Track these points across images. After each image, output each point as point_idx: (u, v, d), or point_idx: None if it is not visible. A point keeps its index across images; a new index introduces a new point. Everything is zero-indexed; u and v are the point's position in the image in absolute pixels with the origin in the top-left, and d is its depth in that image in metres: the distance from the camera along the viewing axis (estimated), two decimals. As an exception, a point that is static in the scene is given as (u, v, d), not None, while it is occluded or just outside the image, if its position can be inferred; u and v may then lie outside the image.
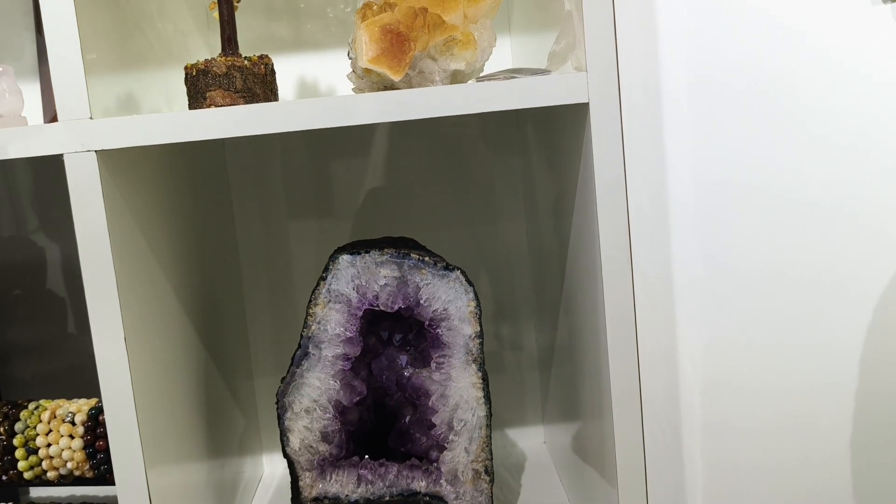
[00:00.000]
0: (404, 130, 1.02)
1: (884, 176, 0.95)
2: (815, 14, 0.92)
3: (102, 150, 0.61)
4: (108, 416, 0.65)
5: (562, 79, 0.61)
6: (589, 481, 0.84)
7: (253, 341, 1.06)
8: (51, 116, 0.95)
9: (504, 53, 0.99)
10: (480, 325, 0.75)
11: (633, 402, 0.67)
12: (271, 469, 1.08)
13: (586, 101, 0.62)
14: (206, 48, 0.98)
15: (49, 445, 0.81)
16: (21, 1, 0.99)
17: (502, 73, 0.67)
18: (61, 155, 0.61)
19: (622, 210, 0.63)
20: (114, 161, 0.64)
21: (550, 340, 0.99)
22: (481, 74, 0.72)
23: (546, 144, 0.84)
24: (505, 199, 1.04)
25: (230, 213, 1.02)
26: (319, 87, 1.00)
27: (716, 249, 0.96)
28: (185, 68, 0.67)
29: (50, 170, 1.02)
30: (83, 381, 1.04)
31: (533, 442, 1.08)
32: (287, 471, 1.06)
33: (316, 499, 0.78)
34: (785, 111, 0.93)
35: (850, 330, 1.01)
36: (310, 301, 0.76)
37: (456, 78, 0.70)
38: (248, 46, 0.97)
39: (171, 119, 0.61)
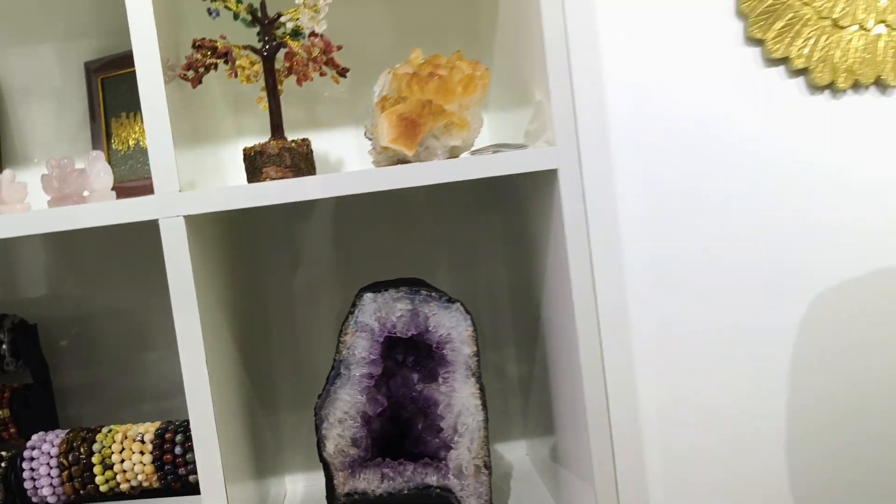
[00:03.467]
0: (400, 195, 1.21)
1: (779, 248, 1.18)
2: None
3: (189, 215, 0.80)
4: (195, 433, 0.82)
5: (538, 151, 0.82)
6: (567, 483, 1.02)
7: (276, 379, 1.23)
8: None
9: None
10: (477, 346, 0.94)
11: (602, 418, 0.86)
12: (293, 487, 1.24)
13: (556, 167, 0.82)
14: (236, 130, 1.17)
15: (123, 461, 0.97)
16: (77, 93, 1.17)
17: (490, 148, 0.88)
18: (156, 220, 0.80)
19: (586, 254, 0.84)
20: (194, 224, 0.82)
21: (529, 368, 1.18)
22: (473, 148, 0.92)
23: (522, 202, 1.04)
24: (488, 249, 1.24)
25: (260, 271, 1.21)
26: (330, 159, 1.20)
27: (664, 275, 1.18)
28: (244, 150, 0.87)
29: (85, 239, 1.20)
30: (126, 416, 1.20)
31: (517, 454, 1.26)
32: (306, 488, 1.22)
33: (348, 494, 0.95)
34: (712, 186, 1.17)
35: (778, 353, 1.23)
36: (340, 331, 0.94)
37: (453, 152, 0.90)
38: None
39: (243, 189, 0.80)
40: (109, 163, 1.15)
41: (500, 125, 1.12)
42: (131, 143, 1.12)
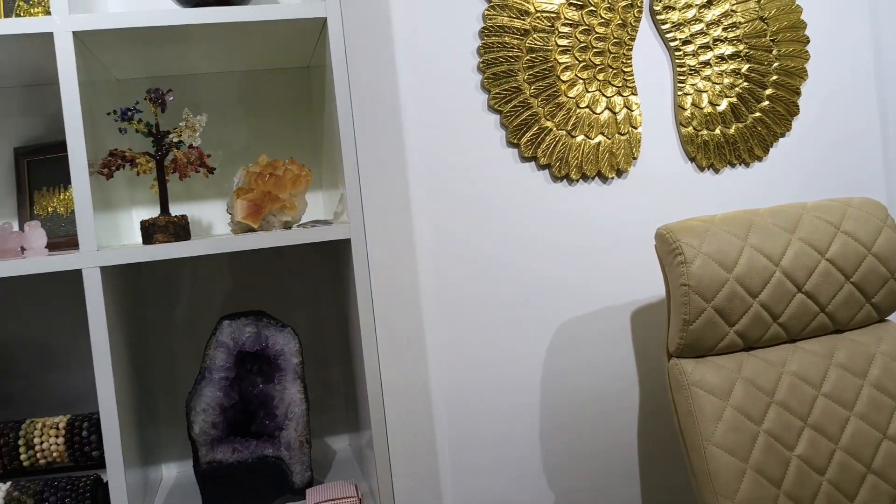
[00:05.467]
0: (264, 258, 1.64)
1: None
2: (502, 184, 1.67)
3: (105, 266, 1.20)
4: (104, 424, 1.21)
5: (337, 227, 1.27)
6: (369, 465, 1.45)
7: (157, 390, 1.61)
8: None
9: (319, 202, 1.64)
10: (302, 357, 1.38)
11: (381, 422, 1.30)
12: (168, 474, 1.62)
13: (349, 237, 1.28)
14: (131, 200, 1.57)
15: (42, 443, 1.34)
16: (5, 170, 1.54)
17: (310, 223, 1.32)
18: (79, 269, 1.20)
19: (368, 298, 1.29)
20: (106, 273, 1.23)
21: (350, 381, 1.61)
22: (300, 222, 1.37)
23: (341, 258, 1.49)
24: (324, 291, 1.67)
25: (146, 308, 1.60)
26: (203, 223, 1.61)
27: (447, 300, 1.65)
28: (142, 222, 1.28)
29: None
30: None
31: (343, 445, 1.69)
32: (178, 472, 1.61)
33: (209, 462, 1.36)
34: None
35: (534, 361, 1.71)
36: (205, 347, 1.36)
37: (286, 225, 1.34)
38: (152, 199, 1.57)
39: (142, 249, 1.21)
40: (31, 224, 1.53)
41: (329, 205, 1.57)
42: (50, 210, 1.50)
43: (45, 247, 1.29)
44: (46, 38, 1.21)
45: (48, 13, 1.44)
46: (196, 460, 1.36)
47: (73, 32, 1.20)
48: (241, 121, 1.62)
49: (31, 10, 1.49)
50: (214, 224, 1.62)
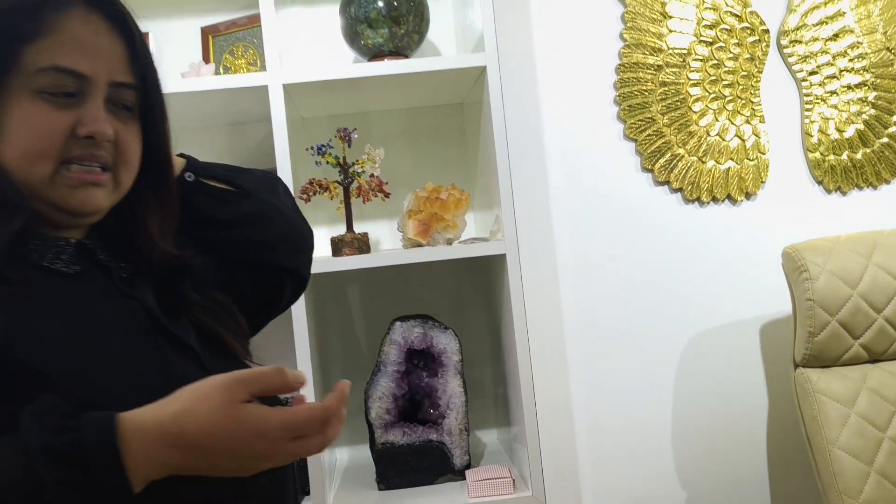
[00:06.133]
0: (425, 269, 1.87)
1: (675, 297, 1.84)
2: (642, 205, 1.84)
3: (304, 274, 1.46)
4: None
5: (494, 243, 1.49)
6: (518, 455, 1.65)
7: (333, 385, 1.87)
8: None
9: (471, 221, 1.87)
10: (461, 356, 1.59)
11: (532, 417, 1.50)
12: (341, 457, 1.87)
13: (504, 253, 1.49)
14: (312, 220, 1.84)
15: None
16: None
17: (470, 239, 1.55)
18: (285, 276, 1.46)
19: (521, 307, 1.49)
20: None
21: (501, 385, 1.82)
22: (461, 239, 1.59)
23: (494, 270, 1.71)
24: (476, 299, 1.89)
25: (332, 310, 1.86)
26: (371, 239, 1.87)
27: (587, 311, 1.83)
28: (332, 238, 1.53)
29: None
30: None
31: (491, 438, 1.90)
32: (349, 455, 1.86)
33: (383, 443, 1.59)
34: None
35: (667, 369, 1.86)
36: (381, 344, 1.60)
37: (449, 241, 1.57)
38: (335, 217, 1.83)
39: (335, 261, 1.46)
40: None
41: (483, 224, 1.79)
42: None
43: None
44: (260, 90, 1.49)
45: (250, 64, 1.74)
46: (372, 441, 1.60)
47: (283, 84, 1.47)
48: (404, 150, 1.87)
49: (236, 62, 1.79)
50: (381, 240, 1.87)
